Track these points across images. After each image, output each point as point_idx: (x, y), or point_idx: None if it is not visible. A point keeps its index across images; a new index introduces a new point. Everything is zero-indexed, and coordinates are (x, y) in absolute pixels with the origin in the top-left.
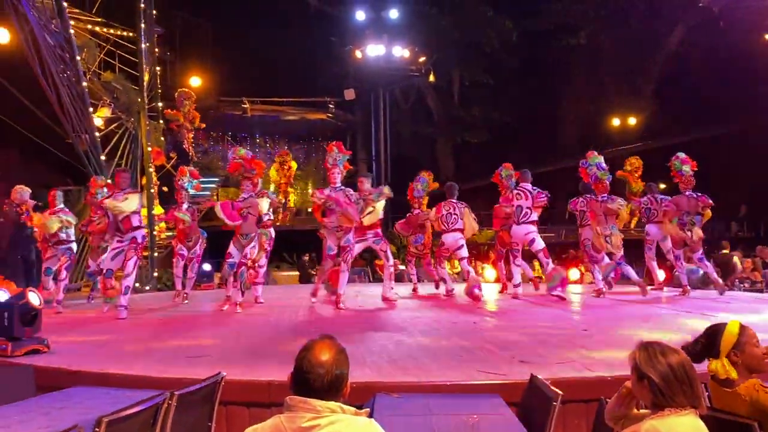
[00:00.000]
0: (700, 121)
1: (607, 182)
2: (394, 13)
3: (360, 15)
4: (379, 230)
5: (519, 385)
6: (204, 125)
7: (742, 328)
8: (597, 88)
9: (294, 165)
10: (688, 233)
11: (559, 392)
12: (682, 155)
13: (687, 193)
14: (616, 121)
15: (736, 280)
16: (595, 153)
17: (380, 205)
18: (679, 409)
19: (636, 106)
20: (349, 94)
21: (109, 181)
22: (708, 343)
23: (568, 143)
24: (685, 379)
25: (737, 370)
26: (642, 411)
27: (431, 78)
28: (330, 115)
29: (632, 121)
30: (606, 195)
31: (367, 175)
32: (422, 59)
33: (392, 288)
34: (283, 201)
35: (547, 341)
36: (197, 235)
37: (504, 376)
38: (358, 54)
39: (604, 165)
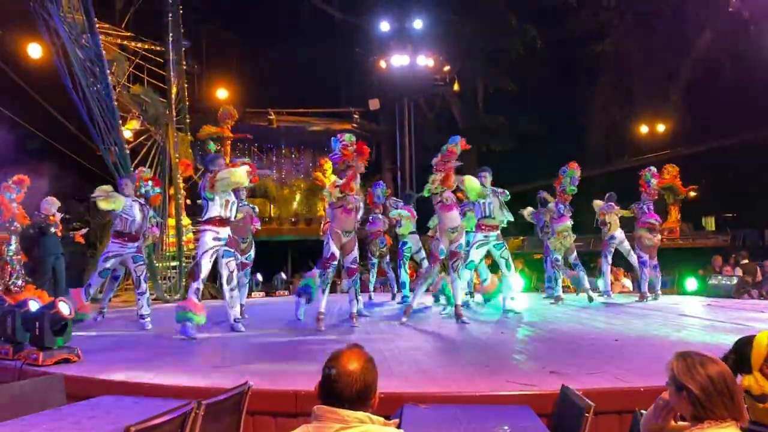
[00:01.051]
0: (730, 128)
1: (570, 195)
2: (418, 23)
3: (384, 26)
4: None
5: (549, 395)
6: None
7: None
8: (624, 94)
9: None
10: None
11: (591, 403)
12: (653, 169)
13: (647, 204)
14: (644, 128)
15: None
16: (576, 166)
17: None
18: (720, 422)
19: (664, 112)
20: (374, 104)
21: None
22: (738, 357)
23: (595, 151)
24: (726, 390)
25: None
26: (680, 423)
27: (456, 87)
28: (355, 125)
29: (661, 128)
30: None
31: (488, 170)
32: (447, 68)
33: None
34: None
35: (578, 351)
36: (251, 238)
37: (534, 386)
38: (383, 64)
39: (577, 180)
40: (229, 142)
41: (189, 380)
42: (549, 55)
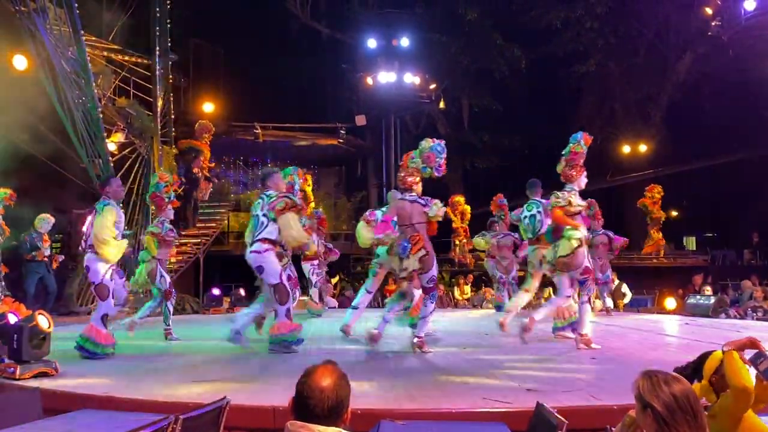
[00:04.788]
0: (711, 149)
1: None
2: (405, 41)
3: (371, 43)
4: None
5: (525, 413)
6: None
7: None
8: (607, 114)
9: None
10: None
11: (565, 421)
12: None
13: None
14: (626, 148)
15: (749, 309)
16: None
17: None
18: None
19: (646, 133)
20: (360, 120)
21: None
22: (696, 366)
23: None
24: (689, 408)
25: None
26: None
27: (441, 104)
28: (341, 140)
29: (643, 148)
30: None
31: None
32: (432, 86)
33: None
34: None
35: (554, 368)
36: None
37: (510, 404)
38: (369, 81)
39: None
40: (206, 158)
41: (167, 395)
42: (533, 75)
